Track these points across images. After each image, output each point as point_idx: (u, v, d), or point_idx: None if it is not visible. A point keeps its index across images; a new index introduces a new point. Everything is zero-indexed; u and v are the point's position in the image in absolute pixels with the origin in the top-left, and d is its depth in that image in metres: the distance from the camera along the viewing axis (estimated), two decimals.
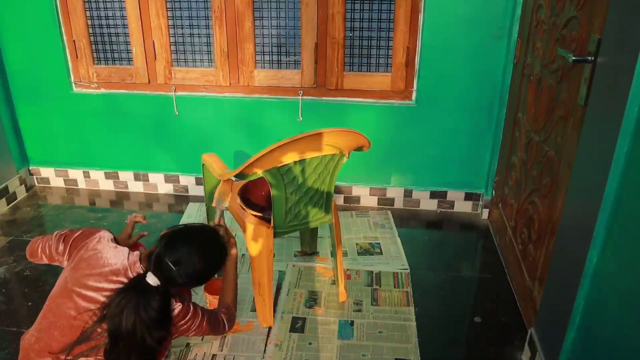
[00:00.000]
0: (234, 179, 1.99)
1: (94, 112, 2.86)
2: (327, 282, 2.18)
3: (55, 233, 1.59)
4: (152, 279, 1.38)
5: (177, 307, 1.46)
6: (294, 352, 1.80)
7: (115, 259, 1.43)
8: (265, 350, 1.81)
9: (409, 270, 2.26)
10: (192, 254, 1.40)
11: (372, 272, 2.25)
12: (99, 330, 1.36)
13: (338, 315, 1.98)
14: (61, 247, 1.53)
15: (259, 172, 1.67)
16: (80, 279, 1.40)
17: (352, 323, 1.94)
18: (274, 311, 1.99)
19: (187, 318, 1.49)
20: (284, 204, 1.75)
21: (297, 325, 1.93)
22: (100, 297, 1.38)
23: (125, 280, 1.41)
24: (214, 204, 1.84)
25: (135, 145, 2.91)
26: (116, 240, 1.53)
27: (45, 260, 1.59)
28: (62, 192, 3.04)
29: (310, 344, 1.84)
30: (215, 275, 2.12)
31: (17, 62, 2.81)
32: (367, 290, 2.13)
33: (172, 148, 2.90)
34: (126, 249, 1.47)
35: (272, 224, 1.79)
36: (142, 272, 1.42)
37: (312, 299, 2.07)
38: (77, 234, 1.55)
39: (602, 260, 1.27)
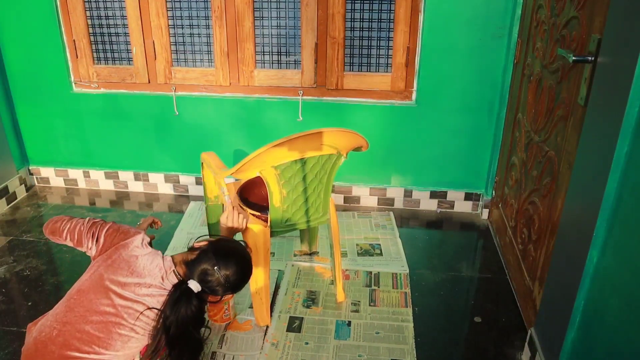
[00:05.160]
0: (232, 178, 1.99)
1: (94, 112, 2.86)
2: (326, 282, 2.18)
3: (88, 219, 1.60)
4: (194, 286, 1.48)
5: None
6: (290, 351, 1.80)
7: (152, 264, 1.49)
8: (262, 348, 1.81)
9: (407, 271, 2.26)
10: (240, 272, 1.52)
11: (370, 272, 2.25)
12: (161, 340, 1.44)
13: (335, 316, 1.98)
14: (93, 238, 1.55)
15: (255, 171, 1.67)
16: (119, 279, 1.43)
17: (349, 323, 1.94)
18: (272, 310, 1.99)
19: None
20: (281, 203, 1.75)
21: (294, 325, 1.93)
22: (138, 298, 1.43)
23: (161, 283, 1.47)
24: (224, 194, 1.89)
25: (135, 145, 2.91)
26: (151, 244, 1.59)
27: (68, 243, 1.60)
28: (62, 192, 3.04)
29: (306, 343, 1.84)
30: None
31: (17, 62, 2.81)
32: (365, 290, 2.13)
33: (172, 148, 2.90)
34: (159, 253, 1.54)
35: (268, 223, 1.79)
36: (177, 277, 1.50)
37: (310, 299, 2.07)
38: (113, 228, 1.56)
39: (602, 260, 1.27)
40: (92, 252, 1.54)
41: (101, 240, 1.53)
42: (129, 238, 1.52)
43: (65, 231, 1.59)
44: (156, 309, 1.44)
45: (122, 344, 1.41)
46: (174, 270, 1.50)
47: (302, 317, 1.97)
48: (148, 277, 1.45)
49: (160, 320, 1.43)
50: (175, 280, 1.49)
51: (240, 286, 1.56)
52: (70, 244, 1.59)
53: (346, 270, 2.26)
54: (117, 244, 1.50)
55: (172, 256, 1.56)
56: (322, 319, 1.96)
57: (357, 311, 2.01)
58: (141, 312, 1.42)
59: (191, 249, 1.58)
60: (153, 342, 1.44)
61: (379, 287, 2.15)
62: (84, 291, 1.44)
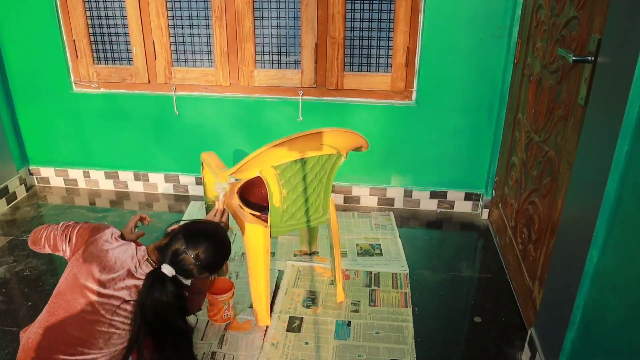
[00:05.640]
0: (231, 178, 2.00)
1: (94, 112, 2.86)
2: (326, 282, 2.18)
3: (62, 223, 1.60)
4: (167, 270, 1.46)
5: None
6: (290, 351, 1.80)
7: (125, 255, 1.48)
8: (262, 348, 1.81)
9: (407, 271, 2.26)
10: (210, 249, 1.50)
11: (370, 272, 2.25)
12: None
13: (335, 316, 1.98)
14: (66, 239, 1.54)
15: (255, 171, 1.67)
16: (92, 276, 1.43)
17: (349, 323, 1.94)
18: (272, 310, 1.99)
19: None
20: (281, 203, 1.76)
21: (294, 325, 1.93)
22: (114, 292, 1.42)
23: (136, 274, 1.46)
24: (215, 190, 1.91)
25: (135, 145, 2.91)
26: (123, 237, 1.57)
27: (47, 250, 1.59)
28: (62, 192, 3.04)
29: (306, 343, 1.84)
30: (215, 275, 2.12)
31: (17, 62, 2.81)
32: (365, 290, 2.13)
33: (172, 148, 2.90)
34: (132, 244, 1.53)
35: (268, 223, 1.79)
36: (151, 265, 1.49)
37: (310, 299, 2.07)
38: (83, 228, 1.55)
39: (602, 260, 1.27)
40: (67, 254, 1.54)
41: (73, 240, 1.52)
42: (99, 233, 1.51)
43: (43, 239, 1.58)
44: (133, 300, 1.42)
45: (104, 341, 1.40)
46: (147, 259, 1.49)
47: (302, 317, 1.97)
48: (121, 270, 1.44)
49: (137, 310, 1.42)
50: (150, 269, 1.48)
51: (215, 264, 1.54)
52: (48, 250, 1.59)
53: (346, 270, 2.26)
54: (87, 241, 1.50)
55: (147, 246, 1.55)
56: (322, 319, 1.96)
57: (357, 311, 2.01)
58: (117, 306, 1.40)
59: (164, 235, 1.57)
60: (133, 332, 1.41)
61: (379, 287, 2.15)
62: (62, 293, 1.44)
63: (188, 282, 1.62)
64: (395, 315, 1.99)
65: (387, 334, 1.89)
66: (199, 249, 1.48)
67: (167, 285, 1.44)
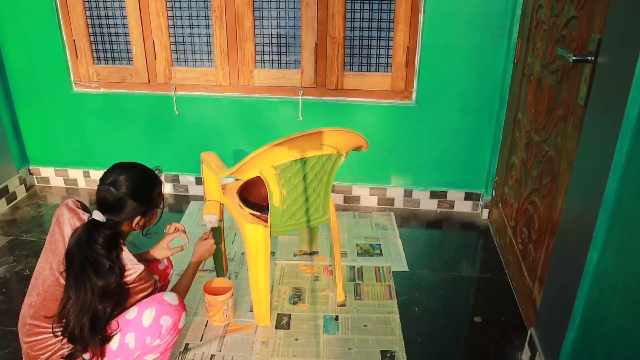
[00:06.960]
0: (231, 178, 1.99)
1: (94, 112, 2.86)
2: (310, 278, 2.19)
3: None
4: (98, 215, 1.46)
5: (133, 271, 1.45)
6: (280, 348, 1.81)
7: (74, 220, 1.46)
8: (252, 347, 1.82)
9: (390, 265, 2.28)
10: (124, 173, 1.49)
11: (354, 267, 2.28)
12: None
13: (322, 311, 2.00)
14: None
15: (256, 171, 1.67)
16: (55, 255, 1.44)
17: (336, 318, 1.96)
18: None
19: (141, 281, 1.49)
20: (281, 203, 1.75)
21: (283, 322, 1.94)
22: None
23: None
24: (201, 223, 1.87)
25: (136, 145, 2.91)
26: (84, 207, 1.55)
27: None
28: (62, 192, 3.04)
29: (296, 339, 1.85)
30: (209, 271, 2.13)
31: (17, 62, 2.81)
32: (349, 285, 2.16)
33: (172, 148, 2.90)
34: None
35: (268, 223, 1.79)
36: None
37: (296, 296, 2.09)
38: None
39: (602, 260, 1.27)
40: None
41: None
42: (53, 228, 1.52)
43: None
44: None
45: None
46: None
47: (290, 314, 1.98)
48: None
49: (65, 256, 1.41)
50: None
51: (141, 189, 1.50)
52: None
53: (329, 265, 2.27)
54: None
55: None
56: (310, 314, 1.98)
57: (343, 305, 2.03)
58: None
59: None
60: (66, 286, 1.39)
61: (363, 281, 2.18)
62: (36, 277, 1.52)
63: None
64: (381, 307, 2.02)
65: (374, 326, 1.92)
66: (112, 176, 1.47)
67: (96, 232, 1.41)
